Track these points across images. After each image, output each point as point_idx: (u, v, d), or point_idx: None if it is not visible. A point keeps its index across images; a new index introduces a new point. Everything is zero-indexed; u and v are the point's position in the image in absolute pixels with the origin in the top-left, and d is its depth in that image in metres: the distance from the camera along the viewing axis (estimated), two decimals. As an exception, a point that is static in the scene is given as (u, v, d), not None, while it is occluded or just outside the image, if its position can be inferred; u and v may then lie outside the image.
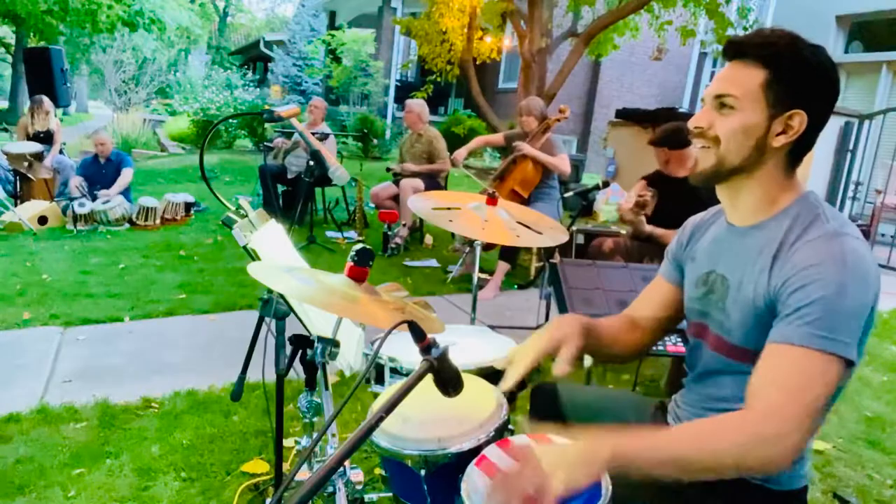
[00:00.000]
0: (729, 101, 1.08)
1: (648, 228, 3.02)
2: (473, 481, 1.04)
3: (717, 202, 1.26)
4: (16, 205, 5.69)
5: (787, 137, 1.08)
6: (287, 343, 1.50)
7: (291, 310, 1.51)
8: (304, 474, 1.45)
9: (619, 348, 1.35)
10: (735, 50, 1.10)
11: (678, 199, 2.81)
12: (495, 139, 4.96)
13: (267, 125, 9.97)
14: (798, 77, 1.06)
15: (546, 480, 0.93)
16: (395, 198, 5.36)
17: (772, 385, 0.98)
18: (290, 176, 5.88)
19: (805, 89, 1.07)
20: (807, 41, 1.08)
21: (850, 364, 0.98)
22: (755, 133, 1.08)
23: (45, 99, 6.59)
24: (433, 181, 5.32)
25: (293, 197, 5.91)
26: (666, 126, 3.16)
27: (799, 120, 1.07)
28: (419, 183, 5.12)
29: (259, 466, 2.13)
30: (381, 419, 0.87)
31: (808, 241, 1.04)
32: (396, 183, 5.43)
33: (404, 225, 5.31)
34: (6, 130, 7.85)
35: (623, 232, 3.44)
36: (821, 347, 0.96)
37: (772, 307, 1.06)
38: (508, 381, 1.20)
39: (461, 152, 4.59)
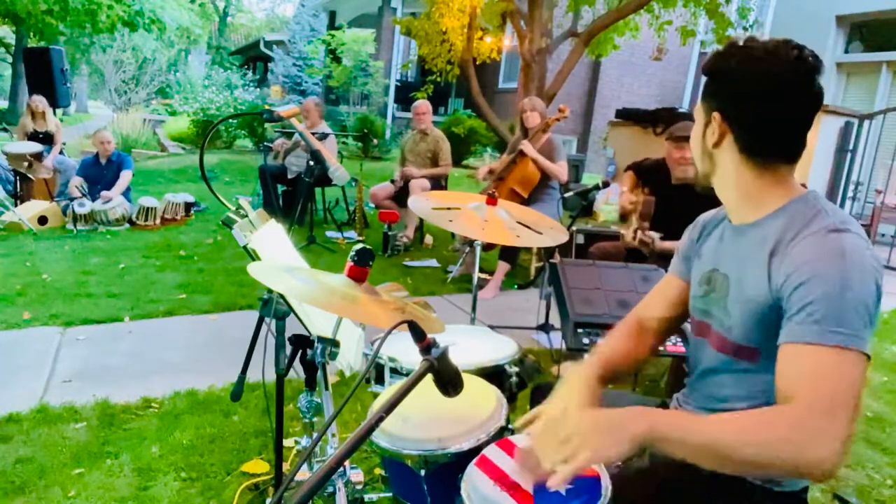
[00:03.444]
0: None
1: (668, 244, 2.86)
2: (473, 481, 1.04)
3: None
4: (16, 205, 5.69)
5: (713, 138, 1.14)
6: (287, 343, 1.50)
7: (291, 310, 1.51)
8: (304, 474, 1.45)
9: (632, 364, 1.36)
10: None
11: (688, 201, 2.77)
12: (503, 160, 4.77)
13: (267, 125, 9.97)
14: (718, 81, 1.13)
15: (571, 449, 0.94)
16: (395, 198, 5.37)
17: (802, 386, 0.95)
18: (290, 176, 5.89)
19: (720, 91, 1.13)
20: (758, 44, 1.09)
21: (866, 357, 0.96)
22: (698, 140, 1.18)
23: (38, 98, 6.58)
24: (436, 181, 5.34)
25: (293, 197, 5.91)
26: (682, 123, 3.07)
27: (717, 121, 1.12)
28: (426, 183, 5.15)
29: (259, 466, 2.13)
30: (381, 419, 0.87)
31: (806, 236, 1.04)
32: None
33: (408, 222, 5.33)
34: (6, 130, 7.84)
35: (623, 232, 3.44)
36: (834, 343, 0.94)
37: (775, 305, 1.05)
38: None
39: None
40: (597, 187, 3.26)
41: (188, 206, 6.17)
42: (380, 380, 1.63)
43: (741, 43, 1.10)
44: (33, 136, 6.39)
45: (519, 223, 2.00)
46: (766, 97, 1.07)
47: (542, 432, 1.01)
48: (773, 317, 1.06)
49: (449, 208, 2.05)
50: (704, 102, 1.16)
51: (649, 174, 3.21)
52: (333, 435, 1.64)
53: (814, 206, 1.09)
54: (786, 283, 1.02)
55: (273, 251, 1.58)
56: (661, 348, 1.96)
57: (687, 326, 1.36)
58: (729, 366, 1.16)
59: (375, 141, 10.65)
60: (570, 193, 4.59)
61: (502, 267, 4.36)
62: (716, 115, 1.12)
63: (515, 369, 1.60)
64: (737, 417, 0.98)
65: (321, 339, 1.40)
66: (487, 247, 4.19)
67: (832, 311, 0.95)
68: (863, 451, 2.52)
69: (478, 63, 8.21)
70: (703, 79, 1.16)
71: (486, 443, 1.20)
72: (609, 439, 0.94)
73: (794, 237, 1.05)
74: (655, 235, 2.91)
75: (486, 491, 1.01)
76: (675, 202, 2.89)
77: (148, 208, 5.70)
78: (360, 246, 1.26)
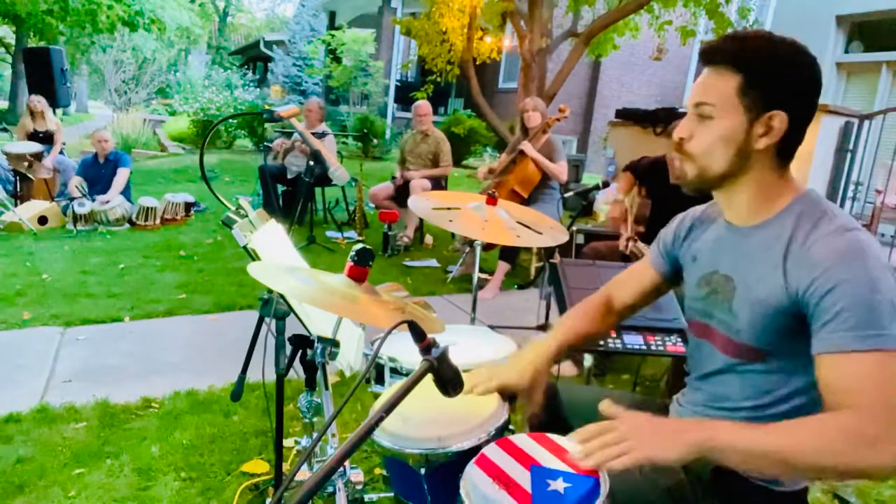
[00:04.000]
0: (707, 110, 1.09)
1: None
2: (473, 480, 1.04)
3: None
4: (16, 205, 5.69)
5: (770, 139, 1.08)
6: (287, 343, 1.50)
7: (291, 310, 1.51)
8: (304, 474, 1.45)
9: (595, 336, 1.44)
10: (709, 56, 1.11)
11: (686, 201, 2.79)
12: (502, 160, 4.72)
13: (267, 125, 9.97)
14: (772, 78, 1.06)
15: (630, 445, 0.96)
16: (395, 198, 5.37)
17: (852, 395, 0.95)
18: (290, 176, 5.89)
19: (781, 89, 1.06)
20: (781, 39, 1.07)
21: None
22: (735, 140, 1.08)
23: (37, 98, 6.57)
24: (437, 182, 5.35)
25: (293, 197, 5.91)
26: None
27: (779, 120, 1.07)
28: (427, 183, 5.16)
29: (259, 466, 2.14)
30: (381, 419, 0.87)
31: (821, 236, 1.03)
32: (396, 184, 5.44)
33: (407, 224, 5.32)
34: (6, 130, 7.84)
35: (624, 233, 3.43)
36: (873, 347, 0.95)
37: (792, 308, 1.04)
38: (472, 390, 1.26)
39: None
40: (597, 187, 3.26)
41: (188, 206, 6.17)
42: (380, 380, 1.63)
43: (765, 32, 1.08)
44: (33, 136, 6.39)
45: (519, 223, 2.00)
46: (816, 91, 1.08)
47: (600, 428, 1.02)
48: (788, 319, 1.05)
49: (449, 208, 2.05)
50: (751, 99, 1.06)
51: (646, 174, 3.21)
52: (333, 435, 1.64)
53: (818, 204, 1.09)
54: (811, 288, 1.01)
55: (273, 251, 1.58)
56: (661, 348, 1.97)
57: (686, 326, 1.36)
58: (736, 367, 1.16)
59: (375, 141, 10.65)
60: (570, 193, 4.58)
61: (502, 267, 4.36)
62: (780, 113, 1.05)
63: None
64: (798, 425, 0.99)
65: (321, 339, 1.40)
66: (487, 247, 4.19)
67: (865, 315, 0.95)
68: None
69: (478, 63, 8.21)
70: (738, 79, 1.06)
71: (486, 442, 1.20)
72: (666, 443, 0.96)
73: (806, 238, 1.05)
74: (646, 250, 2.93)
75: (485, 490, 1.01)
76: (673, 202, 2.89)
77: (148, 208, 5.70)
78: (360, 246, 1.26)
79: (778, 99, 1.06)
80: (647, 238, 3.15)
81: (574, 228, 3.85)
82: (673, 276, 1.37)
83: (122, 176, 5.78)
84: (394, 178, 5.53)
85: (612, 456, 0.97)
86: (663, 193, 3.03)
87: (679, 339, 1.95)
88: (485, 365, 1.53)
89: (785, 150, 1.10)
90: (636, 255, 2.97)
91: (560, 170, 4.28)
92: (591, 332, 1.40)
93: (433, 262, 5.04)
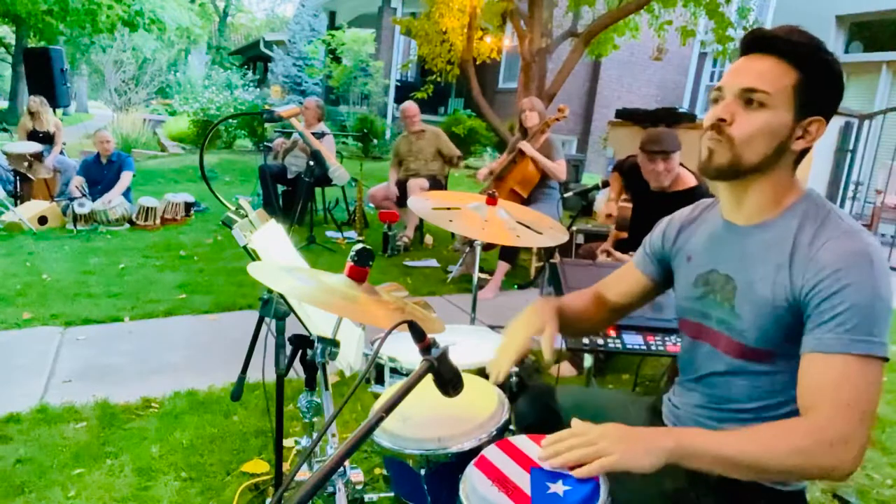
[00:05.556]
0: (759, 97, 1.05)
1: (626, 258, 2.97)
2: (472, 482, 1.04)
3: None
4: (16, 205, 5.69)
5: (805, 143, 1.08)
6: (287, 343, 1.50)
7: (291, 310, 1.51)
8: (304, 474, 1.45)
9: (587, 324, 1.45)
10: (764, 43, 1.08)
11: (667, 202, 2.78)
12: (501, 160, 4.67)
13: (267, 125, 9.98)
14: (824, 84, 1.06)
15: (599, 449, 0.96)
16: (393, 198, 5.37)
17: (824, 395, 0.97)
18: (290, 176, 5.89)
19: (828, 97, 1.07)
20: (827, 48, 1.08)
21: (886, 360, 0.98)
22: (779, 135, 1.07)
23: (36, 99, 6.57)
24: (436, 181, 5.34)
25: (293, 197, 5.91)
26: (655, 133, 3.00)
27: (817, 127, 1.07)
28: (424, 182, 5.15)
29: (259, 466, 2.14)
30: (380, 419, 0.87)
31: (830, 238, 1.03)
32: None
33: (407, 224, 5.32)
34: (6, 130, 7.84)
35: (624, 235, 3.43)
36: (862, 352, 0.96)
37: (795, 308, 1.04)
38: (499, 376, 1.26)
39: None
40: (597, 187, 3.26)
41: (188, 206, 6.17)
42: (380, 380, 1.63)
43: (813, 38, 1.06)
44: (33, 136, 6.39)
45: (519, 223, 2.00)
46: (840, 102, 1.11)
47: (570, 433, 1.02)
48: (791, 318, 1.05)
49: (449, 208, 2.05)
50: (803, 99, 1.05)
51: (630, 173, 3.21)
52: (333, 435, 1.64)
53: (822, 205, 1.09)
54: (816, 289, 1.01)
55: (273, 251, 1.58)
56: (661, 348, 1.97)
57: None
58: (741, 368, 1.14)
59: (375, 141, 10.66)
60: (570, 193, 4.58)
61: (502, 267, 4.36)
62: (820, 120, 1.07)
63: (515, 369, 1.60)
64: (760, 431, 0.99)
65: (321, 339, 1.40)
66: (487, 247, 4.19)
67: (863, 320, 0.96)
68: (863, 451, 2.51)
69: (478, 63, 8.20)
70: (796, 76, 1.04)
71: (487, 443, 1.20)
72: (639, 448, 0.96)
73: (813, 238, 1.05)
74: (627, 259, 2.94)
75: (484, 491, 1.01)
76: (654, 204, 2.90)
77: (148, 208, 5.70)
78: (360, 246, 1.26)
79: (822, 106, 1.07)
80: (631, 244, 3.16)
81: (574, 228, 3.86)
82: (662, 279, 1.37)
83: (125, 179, 5.79)
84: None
85: (578, 457, 0.97)
86: (646, 194, 3.03)
87: (679, 339, 1.95)
88: (485, 364, 1.54)
89: (803, 153, 1.11)
90: (620, 262, 2.99)
91: (559, 168, 4.28)
92: (585, 311, 1.41)
93: (433, 262, 5.04)
